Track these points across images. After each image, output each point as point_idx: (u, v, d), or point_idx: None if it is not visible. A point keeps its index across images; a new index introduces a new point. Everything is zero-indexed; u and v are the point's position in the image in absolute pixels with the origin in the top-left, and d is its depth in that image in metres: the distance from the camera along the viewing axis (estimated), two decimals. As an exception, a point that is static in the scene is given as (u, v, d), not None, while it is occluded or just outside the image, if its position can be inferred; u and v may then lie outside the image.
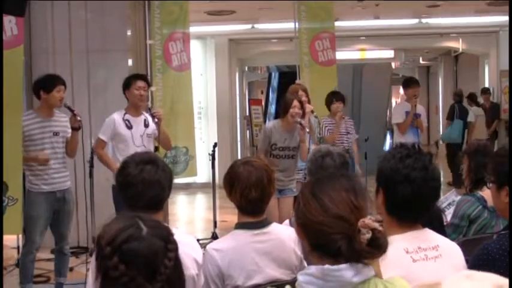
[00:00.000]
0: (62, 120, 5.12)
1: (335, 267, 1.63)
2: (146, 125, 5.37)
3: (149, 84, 5.42)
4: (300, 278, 1.70)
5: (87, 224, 6.41)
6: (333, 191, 1.70)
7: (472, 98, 11.86)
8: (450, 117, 11.04)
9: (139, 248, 1.39)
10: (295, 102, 5.45)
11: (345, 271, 1.62)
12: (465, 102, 11.46)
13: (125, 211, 2.49)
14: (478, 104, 11.69)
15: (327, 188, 1.71)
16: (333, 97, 6.83)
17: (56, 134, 5.04)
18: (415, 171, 2.05)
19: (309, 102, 6.02)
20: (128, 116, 5.31)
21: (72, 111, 5.09)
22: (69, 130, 5.11)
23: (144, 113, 5.42)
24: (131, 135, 5.26)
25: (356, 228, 1.62)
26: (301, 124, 5.44)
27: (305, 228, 1.72)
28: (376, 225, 1.63)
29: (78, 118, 5.05)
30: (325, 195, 1.69)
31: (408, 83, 7.40)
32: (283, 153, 5.52)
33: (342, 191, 1.70)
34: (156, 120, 5.36)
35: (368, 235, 1.61)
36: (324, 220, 1.66)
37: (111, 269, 1.37)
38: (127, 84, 5.34)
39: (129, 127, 5.28)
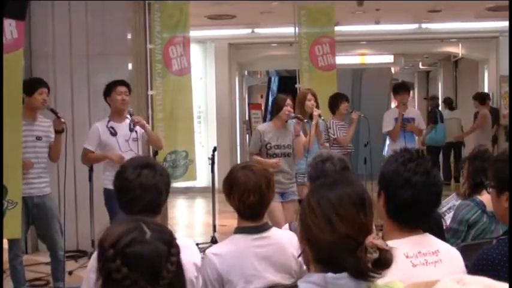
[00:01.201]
0: (44, 125, 5.07)
1: (337, 275, 1.63)
2: (131, 129, 5.33)
3: (130, 89, 5.40)
4: (301, 285, 1.69)
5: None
6: (341, 207, 1.67)
7: (447, 102, 12.39)
8: (433, 121, 11.48)
9: (143, 252, 1.38)
10: (289, 101, 5.52)
11: (348, 279, 1.62)
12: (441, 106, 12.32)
13: (122, 214, 2.49)
14: (453, 109, 12.21)
15: (335, 203, 1.68)
16: (339, 98, 6.88)
17: (38, 138, 5.00)
18: (416, 175, 2.05)
19: (317, 106, 6.06)
20: (111, 123, 5.31)
21: (55, 113, 5.07)
22: (53, 135, 5.07)
23: (128, 116, 5.38)
24: (116, 141, 5.26)
25: (363, 247, 1.61)
26: (298, 118, 5.49)
27: (311, 243, 1.70)
28: (384, 245, 1.61)
29: (62, 120, 5.03)
30: (333, 213, 1.66)
31: (397, 89, 7.39)
32: (279, 151, 5.53)
33: (350, 206, 1.67)
34: (135, 124, 5.29)
35: (375, 255, 1.59)
36: (332, 240, 1.64)
37: (113, 272, 1.36)
38: (108, 91, 5.33)
39: (114, 134, 5.27)
